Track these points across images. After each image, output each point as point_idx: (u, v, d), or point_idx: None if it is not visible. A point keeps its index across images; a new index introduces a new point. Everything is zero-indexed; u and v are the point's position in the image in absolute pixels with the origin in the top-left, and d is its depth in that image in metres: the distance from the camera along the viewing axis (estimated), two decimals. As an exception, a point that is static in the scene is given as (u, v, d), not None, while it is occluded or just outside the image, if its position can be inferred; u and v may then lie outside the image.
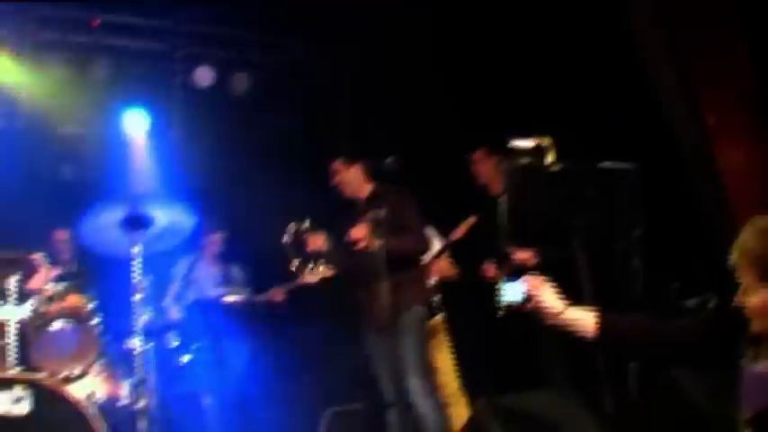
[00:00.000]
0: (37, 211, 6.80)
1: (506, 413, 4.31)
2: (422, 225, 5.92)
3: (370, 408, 6.36)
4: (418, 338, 5.69)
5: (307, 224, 5.73)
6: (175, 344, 6.22)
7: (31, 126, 7.80)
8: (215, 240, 7.25)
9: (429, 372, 5.79)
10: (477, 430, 4.49)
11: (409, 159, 5.49)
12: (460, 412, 5.95)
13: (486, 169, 6.14)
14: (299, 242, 5.79)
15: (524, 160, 4.37)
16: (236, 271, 7.26)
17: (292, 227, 5.72)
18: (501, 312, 5.40)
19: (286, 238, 5.70)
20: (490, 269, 5.89)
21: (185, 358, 6.21)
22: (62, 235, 6.88)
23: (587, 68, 6.15)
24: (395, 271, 5.25)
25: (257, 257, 7.34)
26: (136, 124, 6.99)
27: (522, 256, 5.69)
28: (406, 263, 5.59)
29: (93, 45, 7.59)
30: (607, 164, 4.47)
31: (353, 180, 5.95)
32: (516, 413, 4.35)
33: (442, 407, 5.76)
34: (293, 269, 5.73)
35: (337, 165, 5.97)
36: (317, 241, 5.72)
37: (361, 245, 5.50)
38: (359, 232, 5.55)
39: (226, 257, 7.32)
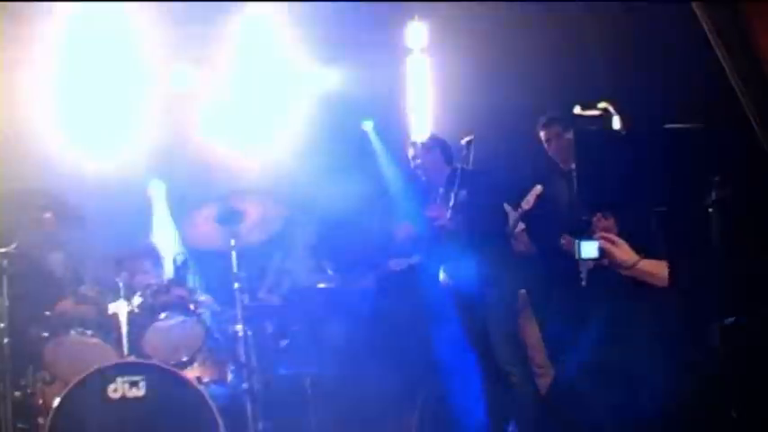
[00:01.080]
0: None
1: (591, 370, 4.52)
2: (500, 202, 6.15)
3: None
4: (509, 311, 5.93)
5: None
6: (274, 329, 6.55)
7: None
8: (310, 230, 7.57)
9: (520, 343, 6.00)
10: (563, 389, 4.71)
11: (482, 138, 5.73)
12: (548, 382, 6.03)
13: (557, 143, 6.30)
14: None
15: (593, 126, 4.58)
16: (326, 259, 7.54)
17: None
18: (583, 281, 5.63)
19: None
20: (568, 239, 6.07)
21: (284, 342, 6.52)
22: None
23: (652, 30, 6.24)
24: (480, 247, 5.51)
25: (345, 246, 7.65)
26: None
27: (605, 224, 5.85)
28: (490, 238, 5.82)
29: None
30: (674, 125, 4.64)
31: (432, 163, 6.22)
32: (600, 369, 4.55)
33: (533, 376, 5.94)
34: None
35: (416, 150, 6.25)
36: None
37: (440, 222, 5.78)
38: (437, 211, 5.83)
39: (316, 246, 7.65)
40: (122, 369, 5.12)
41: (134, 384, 5.03)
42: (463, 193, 5.87)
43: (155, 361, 5.31)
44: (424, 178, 6.28)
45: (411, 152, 6.32)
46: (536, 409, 5.56)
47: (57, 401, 5.00)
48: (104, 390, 5.02)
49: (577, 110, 4.93)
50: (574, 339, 5.99)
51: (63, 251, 6.01)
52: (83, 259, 6.11)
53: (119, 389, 5.02)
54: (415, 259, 6.74)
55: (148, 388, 5.05)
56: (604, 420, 4.40)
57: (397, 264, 6.90)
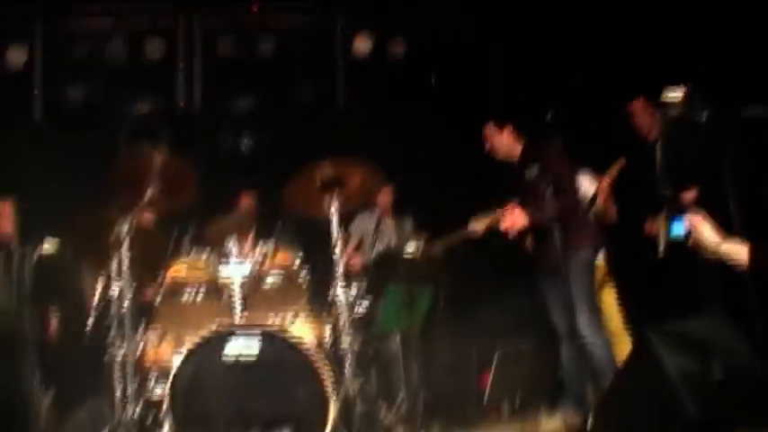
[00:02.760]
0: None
1: (666, 338, 4.77)
2: (572, 177, 6.36)
3: (540, 345, 6.95)
4: (587, 278, 6.14)
5: None
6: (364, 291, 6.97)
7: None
8: (389, 194, 7.95)
9: (597, 309, 6.24)
10: (639, 356, 4.97)
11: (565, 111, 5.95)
12: (624, 349, 6.30)
13: (644, 119, 6.54)
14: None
15: (675, 111, 4.82)
16: (409, 222, 7.91)
17: None
18: (661, 252, 5.92)
19: None
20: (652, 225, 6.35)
21: (374, 303, 6.94)
22: (248, 197, 7.73)
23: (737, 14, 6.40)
24: (562, 217, 5.76)
25: (426, 208, 8.03)
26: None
27: (688, 196, 6.10)
28: (572, 210, 6.07)
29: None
30: (753, 110, 4.86)
31: (505, 143, 6.38)
32: (676, 338, 4.80)
33: (609, 342, 6.17)
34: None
35: (489, 130, 6.41)
36: None
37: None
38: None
39: (398, 209, 8.02)
40: (237, 332, 5.48)
41: (248, 347, 5.42)
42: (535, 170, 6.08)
43: (267, 325, 5.69)
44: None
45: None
46: (612, 376, 5.70)
47: (176, 362, 5.42)
48: (220, 351, 5.40)
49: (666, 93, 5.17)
50: (650, 308, 6.30)
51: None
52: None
53: (233, 351, 5.42)
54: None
55: (261, 350, 5.41)
56: (678, 389, 4.53)
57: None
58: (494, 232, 6.43)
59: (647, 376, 4.72)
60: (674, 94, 4.80)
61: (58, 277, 6.80)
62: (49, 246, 6.65)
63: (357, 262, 7.70)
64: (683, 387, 4.51)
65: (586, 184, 6.87)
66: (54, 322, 7.21)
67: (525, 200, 6.13)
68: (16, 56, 8.60)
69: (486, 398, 7.31)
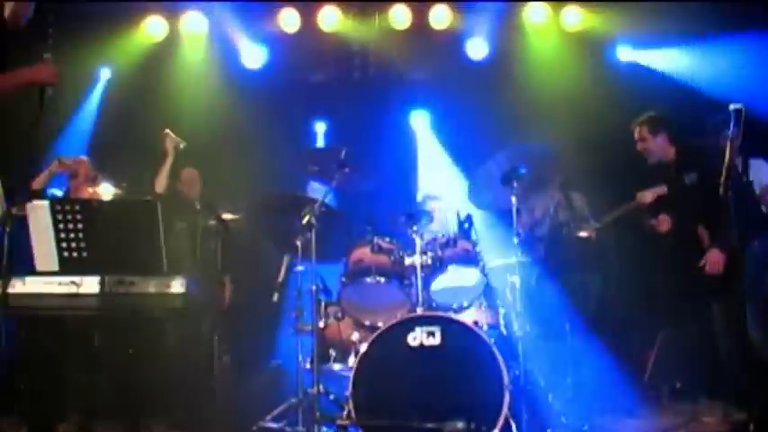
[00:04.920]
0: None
1: None
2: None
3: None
4: None
5: None
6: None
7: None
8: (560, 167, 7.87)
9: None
10: None
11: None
12: None
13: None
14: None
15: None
16: (579, 197, 7.83)
17: None
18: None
19: None
20: None
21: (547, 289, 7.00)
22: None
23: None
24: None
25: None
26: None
27: None
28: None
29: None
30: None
31: (659, 148, 6.50)
32: None
33: None
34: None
35: (642, 133, 6.52)
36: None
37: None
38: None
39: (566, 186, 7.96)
40: (421, 320, 5.66)
41: (431, 334, 5.58)
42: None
43: (449, 314, 5.84)
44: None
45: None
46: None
47: (364, 347, 5.64)
48: (405, 338, 5.59)
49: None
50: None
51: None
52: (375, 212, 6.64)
53: (417, 337, 5.58)
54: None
55: (443, 337, 5.59)
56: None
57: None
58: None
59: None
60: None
61: (238, 248, 7.04)
62: (232, 217, 6.91)
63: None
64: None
65: (765, 169, 6.73)
66: (228, 290, 7.50)
67: (684, 204, 6.31)
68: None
69: (646, 378, 7.28)
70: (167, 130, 7.17)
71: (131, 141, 8.21)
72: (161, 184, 7.19)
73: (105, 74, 8.91)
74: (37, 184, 6.75)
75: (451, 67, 8.95)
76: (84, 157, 7.21)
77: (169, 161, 7.18)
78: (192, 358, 6.57)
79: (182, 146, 7.13)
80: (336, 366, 6.09)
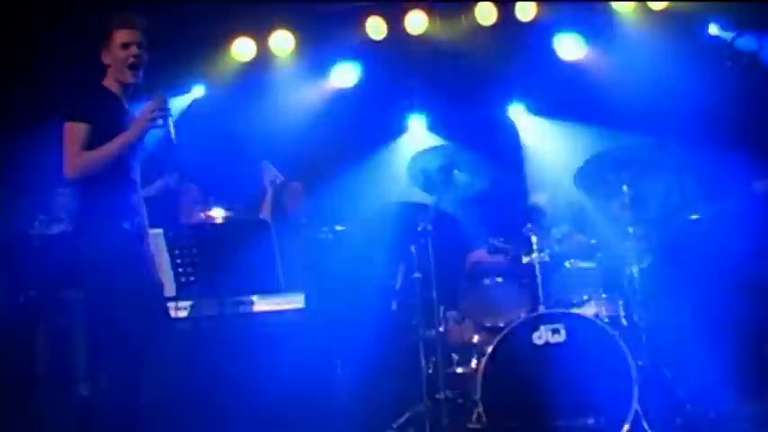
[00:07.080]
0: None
1: None
2: None
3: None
4: None
5: None
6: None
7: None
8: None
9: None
10: None
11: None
12: None
13: None
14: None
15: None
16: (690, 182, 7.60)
17: None
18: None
19: None
20: None
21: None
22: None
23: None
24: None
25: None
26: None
27: None
28: None
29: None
30: None
31: None
32: None
33: None
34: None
35: None
36: None
37: None
38: None
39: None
40: (545, 318, 5.66)
41: (556, 332, 5.57)
42: None
43: (572, 309, 5.79)
44: None
45: None
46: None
47: (489, 349, 5.63)
48: (530, 337, 5.59)
49: None
50: None
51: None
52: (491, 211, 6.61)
53: (542, 336, 5.58)
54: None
55: (568, 334, 5.56)
56: None
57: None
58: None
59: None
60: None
61: (351, 258, 7.06)
62: (340, 228, 6.94)
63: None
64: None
65: None
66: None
67: None
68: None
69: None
70: (266, 162, 7.20)
71: (228, 160, 8.24)
72: (265, 213, 7.23)
73: (197, 92, 8.93)
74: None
75: (542, 60, 8.80)
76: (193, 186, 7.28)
77: (269, 197, 7.20)
78: (313, 370, 6.59)
79: (278, 181, 7.14)
80: (459, 370, 6.08)
